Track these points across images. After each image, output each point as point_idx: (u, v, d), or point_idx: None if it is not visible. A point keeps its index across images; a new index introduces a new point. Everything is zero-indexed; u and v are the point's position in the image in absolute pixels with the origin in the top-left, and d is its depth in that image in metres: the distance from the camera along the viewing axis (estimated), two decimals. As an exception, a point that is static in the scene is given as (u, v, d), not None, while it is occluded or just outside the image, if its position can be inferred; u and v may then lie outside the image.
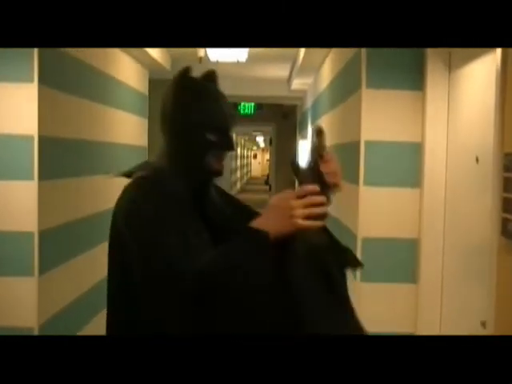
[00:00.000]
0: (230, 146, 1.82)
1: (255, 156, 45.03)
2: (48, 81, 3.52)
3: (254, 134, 22.13)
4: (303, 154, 7.73)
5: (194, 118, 1.78)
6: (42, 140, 3.43)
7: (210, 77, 1.88)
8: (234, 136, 1.85)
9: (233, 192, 21.86)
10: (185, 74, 1.82)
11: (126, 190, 1.80)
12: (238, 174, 28.46)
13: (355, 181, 3.58)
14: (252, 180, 38.82)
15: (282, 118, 12.28)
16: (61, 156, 3.81)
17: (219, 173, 1.85)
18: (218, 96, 1.82)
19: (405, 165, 3.42)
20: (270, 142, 12.54)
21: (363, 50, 3.43)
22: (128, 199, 1.75)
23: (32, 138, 3.37)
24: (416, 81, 3.38)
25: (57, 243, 3.75)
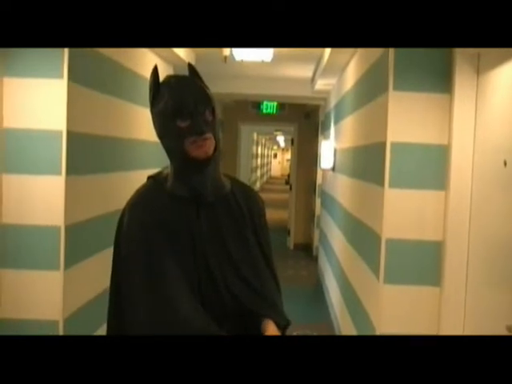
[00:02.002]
0: (198, 130, 1.88)
1: (275, 155, 44.99)
2: (77, 77, 3.56)
3: (276, 133, 22.12)
4: (325, 154, 7.72)
5: (157, 109, 1.93)
6: (70, 135, 3.47)
7: (188, 70, 2.01)
8: (206, 120, 1.92)
9: (252, 191, 21.83)
10: (152, 72, 1.97)
11: (134, 194, 2.02)
12: (259, 172, 28.48)
13: (380, 182, 3.58)
14: (271, 179, 38.81)
15: (304, 118, 12.26)
16: (88, 152, 3.85)
17: (199, 159, 1.89)
18: (180, 85, 1.92)
19: (431, 167, 3.40)
20: (292, 142, 12.51)
21: (390, 52, 3.43)
22: (127, 207, 1.98)
23: (60, 133, 3.41)
24: (444, 83, 3.37)
25: (82, 238, 3.79)
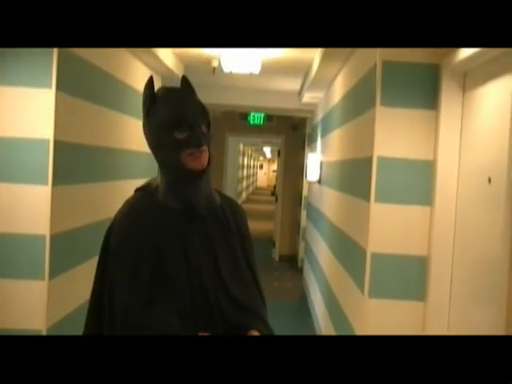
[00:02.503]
0: (196, 143, 1.89)
1: (261, 166, 45.06)
2: (66, 87, 3.56)
3: (262, 144, 22.17)
4: (311, 166, 7.75)
5: (154, 120, 1.92)
6: (57, 145, 3.46)
7: (181, 82, 2.00)
8: (203, 133, 1.93)
9: (238, 201, 21.86)
10: (147, 83, 1.96)
11: (123, 205, 2.01)
12: (245, 183, 28.50)
13: (366, 197, 3.60)
14: (257, 190, 38.84)
15: (292, 130, 12.31)
16: (75, 161, 3.85)
17: (195, 171, 1.91)
18: (178, 97, 1.93)
19: (416, 182, 3.44)
20: (279, 154, 12.54)
21: (378, 68, 3.46)
22: (117, 219, 1.97)
23: (47, 142, 3.41)
24: (430, 100, 3.41)
25: (68, 248, 3.77)
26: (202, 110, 1.94)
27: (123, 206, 1.99)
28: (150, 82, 1.96)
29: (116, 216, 1.97)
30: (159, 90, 1.98)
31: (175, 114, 1.89)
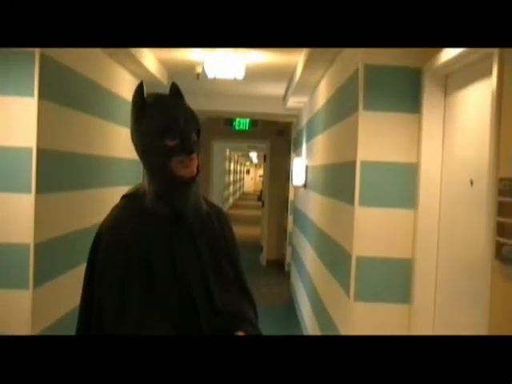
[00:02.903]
0: (186, 150, 1.88)
1: (248, 172, 45.06)
2: (48, 94, 3.54)
3: (248, 149, 22.17)
4: (296, 171, 7.76)
5: (143, 127, 1.89)
6: (40, 153, 3.45)
7: (171, 89, 1.98)
8: (194, 140, 1.92)
9: (225, 207, 21.87)
10: (136, 89, 1.94)
11: (109, 213, 1.99)
12: (231, 189, 28.48)
13: (350, 201, 3.62)
14: (244, 195, 38.82)
15: (277, 135, 12.33)
16: (58, 169, 3.83)
17: (185, 178, 1.90)
18: (169, 104, 1.91)
19: (400, 186, 3.45)
20: (264, 159, 12.55)
21: (360, 72, 3.48)
22: (104, 226, 1.95)
23: (30, 150, 3.39)
24: (412, 103, 3.43)
25: (52, 256, 3.75)
26: (192, 116, 1.92)
27: (110, 213, 1.97)
28: (140, 88, 1.94)
29: (103, 223, 1.95)
30: (149, 96, 1.94)
31: (166, 121, 1.87)
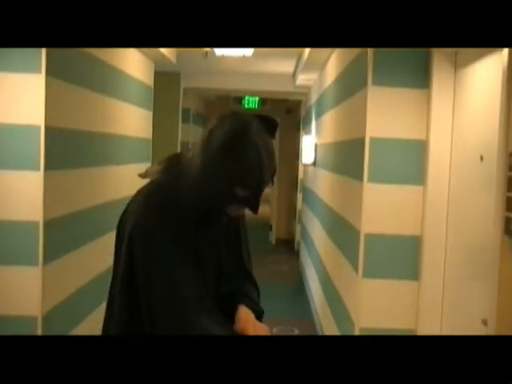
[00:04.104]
0: (254, 208, 1.74)
1: (258, 151, 44.96)
2: (55, 72, 3.53)
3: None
4: (306, 149, 7.73)
5: (234, 169, 1.68)
6: (48, 130, 3.44)
7: (271, 128, 1.78)
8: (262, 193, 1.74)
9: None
10: (249, 124, 1.71)
11: (138, 195, 1.83)
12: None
13: (359, 177, 3.60)
14: (254, 175, 38.73)
15: (286, 113, 12.27)
16: (67, 147, 3.83)
17: (233, 217, 1.85)
18: (267, 154, 1.70)
19: (409, 162, 3.43)
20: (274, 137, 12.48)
21: (369, 48, 3.44)
22: (138, 208, 1.78)
23: (38, 128, 3.39)
24: (422, 79, 3.39)
25: (62, 233, 3.77)
26: (275, 169, 1.75)
27: (144, 200, 1.79)
28: (252, 125, 1.70)
29: (137, 209, 1.79)
30: (248, 130, 1.69)
31: (250, 172, 1.67)
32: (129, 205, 1.85)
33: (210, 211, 1.80)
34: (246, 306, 1.91)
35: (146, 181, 1.90)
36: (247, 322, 1.85)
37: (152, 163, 5.77)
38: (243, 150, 1.67)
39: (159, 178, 1.83)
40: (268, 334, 1.85)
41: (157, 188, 1.81)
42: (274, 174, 1.76)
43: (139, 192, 1.85)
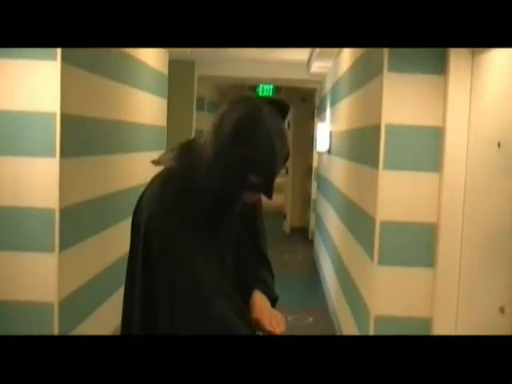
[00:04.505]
0: (268, 193, 1.72)
1: (272, 140, 44.91)
2: (70, 59, 3.54)
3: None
4: (320, 136, 7.70)
5: (246, 155, 1.66)
6: (63, 117, 3.45)
7: (283, 112, 1.76)
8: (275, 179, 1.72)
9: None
10: (260, 109, 1.68)
11: (153, 183, 1.82)
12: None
13: (375, 165, 3.58)
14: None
15: (301, 102, 12.23)
16: (82, 134, 3.84)
17: (249, 203, 1.84)
18: (279, 138, 1.68)
19: (425, 149, 3.41)
20: (288, 125, 12.48)
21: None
22: (153, 196, 1.77)
23: (54, 115, 3.40)
24: (438, 65, 3.36)
25: (77, 220, 3.79)
26: (287, 155, 1.72)
27: (161, 189, 1.78)
28: (264, 109, 1.67)
29: (152, 197, 1.78)
30: (260, 116, 1.66)
31: (262, 159, 1.65)
32: (144, 193, 1.85)
33: (224, 198, 1.79)
34: (261, 291, 1.90)
35: (160, 168, 1.89)
36: (263, 311, 1.85)
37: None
38: (255, 135, 1.65)
39: (172, 165, 1.82)
40: (283, 323, 1.85)
41: (170, 175, 1.80)
42: (286, 158, 1.73)
43: (153, 180, 1.85)
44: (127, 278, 1.85)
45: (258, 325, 1.83)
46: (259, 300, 1.88)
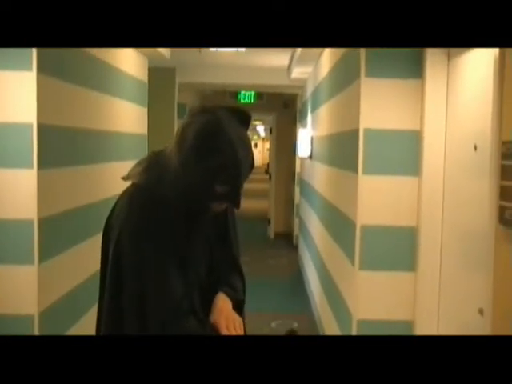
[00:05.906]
0: (235, 203, 1.72)
1: (256, 145, 44.99)
2: (47, 69, 3.51)
3: (255, 123, 22.09)
4: (302, 142, 7.72)
5: (210, 166, 1.66)
6: (40, 128, 3.43)
7: (244, 120, 1.76)
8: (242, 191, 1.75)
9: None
10: (220, 119, 1.68)
11: (122, 198, 1.84)
12: (239, 163, 28.37)
13: (355, 169, 3.59)
14: (253, 169, 38.71)
15: (283, 108, 12.25)
16: (60, 144, 3.81)
17: (220, 211, 1.83)
18: (242, 147, 1.68)
19: (404, 153, 3.42)
20: (271, 131, 12.50)
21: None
22: (123, 211, 1.80)
23: (31, 125, 3.37)
24: (415, 69, 3.38)
25: (56, 231, 3.75)
26: (252, 164, 1.73)
27: (127, 203, 1.80)
28: (223, 118, 1.67)
29: (121, 212, 1.79)
30: (224, 127, 1.65)
31: (227, 166, 1.65)
32: (114, 208, 1.86)
33: (193, 209, 1.79)
34: (225, 293, 1.89)
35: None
36: (221, 314, 1.83)
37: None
38: (217, 145, 1.65)
39: (140, 179, 1.82)
40: (241, 326, 1.83)
41: (138, 190, 1.81)
42: (252, 166, 1.73)
43: (121, 196, 1.86)
44: (100, 294, 1.85)
45: (216, 328, 1.81)
46: (220, 303, 1.86)
